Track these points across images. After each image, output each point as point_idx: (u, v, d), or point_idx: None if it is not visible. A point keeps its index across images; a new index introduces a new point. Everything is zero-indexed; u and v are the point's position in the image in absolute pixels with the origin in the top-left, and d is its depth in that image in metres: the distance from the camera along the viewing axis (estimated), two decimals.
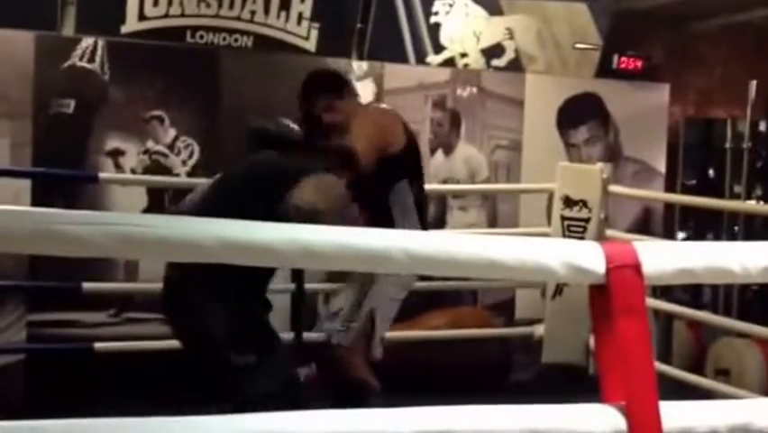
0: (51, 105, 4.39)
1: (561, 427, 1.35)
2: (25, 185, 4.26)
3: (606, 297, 1.41)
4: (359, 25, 4.96)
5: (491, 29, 5.29)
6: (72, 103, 4.42)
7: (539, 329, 4.69)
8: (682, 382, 4.10)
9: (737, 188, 5.84)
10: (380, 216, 3.09)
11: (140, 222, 1.14)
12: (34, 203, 4.21)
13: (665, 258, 1.46)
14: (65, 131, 4.43)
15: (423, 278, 4.18)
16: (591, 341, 4.30)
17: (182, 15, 4.63)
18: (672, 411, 1.40)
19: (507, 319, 5.14)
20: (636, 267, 1.41)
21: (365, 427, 1.30)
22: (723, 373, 4.78)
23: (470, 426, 1.31)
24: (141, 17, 4.55)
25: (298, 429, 1.25)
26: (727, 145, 5.89)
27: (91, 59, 4.43)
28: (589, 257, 1.41)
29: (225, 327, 2.68)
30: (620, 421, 1.37)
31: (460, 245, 1.37)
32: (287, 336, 4.47)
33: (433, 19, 5.14)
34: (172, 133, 4.60)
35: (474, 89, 5.18)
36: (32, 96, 4.34)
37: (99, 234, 1.08)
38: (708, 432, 1.40)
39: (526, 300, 5.03)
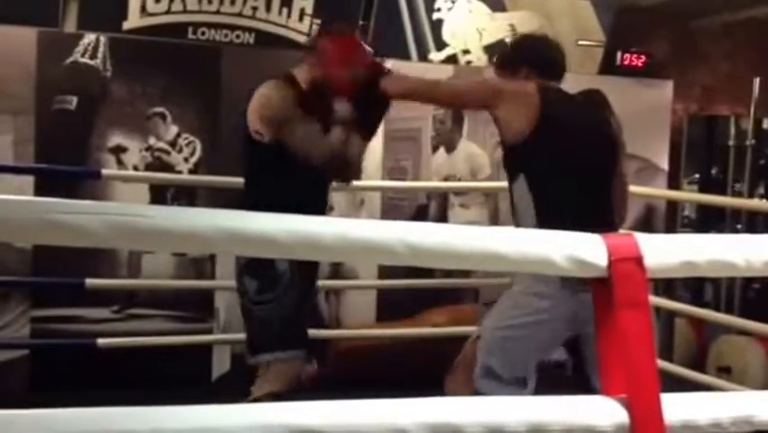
0: (54, 101, 4.40)
1: (562, 418, 1.35)
2: (28, 181, 4.27)
3: (608, 290, 1.40)
4: (361, 21, 4.95)
5: (494, 25, 5.28)
6: (74, 99, 4.42)
7: None
8: (684, 379, 4.10)
9: (740, 186, 5.83)
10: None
11: (139, 212, 1.13)
12: None
13: (668, 251, 1.45)
14: (67, 127, 4.43)
15: (424, 274, 4.19)
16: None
17: (184, 12, 4.63)
18: (673, 404, 1.39)
19: None
20: (639, 260, 1.40)
21: (368, 418, 1.30)
22: (725, 371, 4.78)
23: (473, 417, 1.30)
24: (144, 13, 4.55)
25: (300, 421, 1.24)
26: (731, 143, 5.88)
27: (93, 56, 4.43)
28: (591, 250, 1.40)
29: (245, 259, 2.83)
30: (622, 414, 1.36)
31: (461, 237, 1.36)
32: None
33: (435, 15, 5.14)
34: (174, 129, 4.61)
35: None
36: (34, 92, 4.35)
37: (98, 224, 1.08)
38: (710, 424, 1.40)
39: None
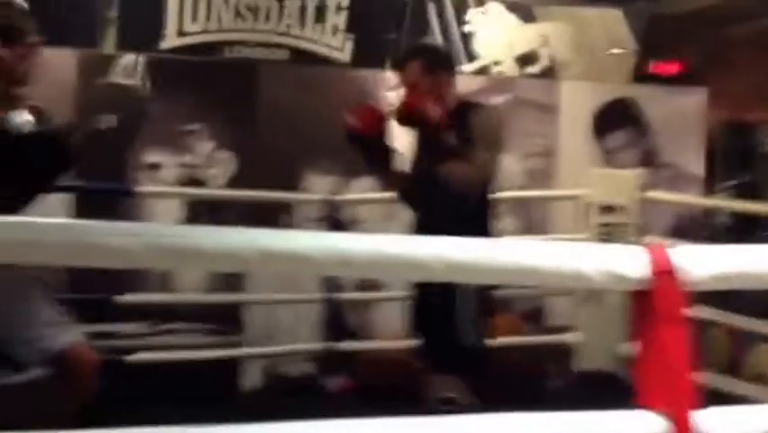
0: (92, 121, 4.46)
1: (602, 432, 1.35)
2: (68, 199, 4.32)
3: (648, 303, 1.40)
4: (392, 36, 4.98)
5: (525, 36, 5.28)
6: (113, 118, 4.49)
7: (573, 337, 4.65)
8: (718, 389, 4.04)
9: None
10: None
11: (179, 233, 1.15)
12: (76, 217, 4.27)
13: (707, 263, 1.44)
14: (106, 145, 4.49)
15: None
16: (625, 348, 4.25)
17: (219, 30, 4.69)
18: (711, 417, 1.38)
19: (538, 327, 5.10)
20: (678, 273, 1.40)
21: None
22: (760, 380, 4.71)
23: None
24: (181, 33, 4.62)
25: None
26: (767, 149, 5.81)
27: (131, 76, 4.50)
28: (631, 263, 1.39)
29: None
30: (663, 428, 1.36)
31: (495, 253, 1.36)
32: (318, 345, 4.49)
33: (466, 28, 5.14)
34: (210, 145, 4.65)
35: (508, 97, 5.16)
36: (73, 112, 4.41)
37: (140, 246, 1.10)
38: None
39: (558, 308, 4.99)
